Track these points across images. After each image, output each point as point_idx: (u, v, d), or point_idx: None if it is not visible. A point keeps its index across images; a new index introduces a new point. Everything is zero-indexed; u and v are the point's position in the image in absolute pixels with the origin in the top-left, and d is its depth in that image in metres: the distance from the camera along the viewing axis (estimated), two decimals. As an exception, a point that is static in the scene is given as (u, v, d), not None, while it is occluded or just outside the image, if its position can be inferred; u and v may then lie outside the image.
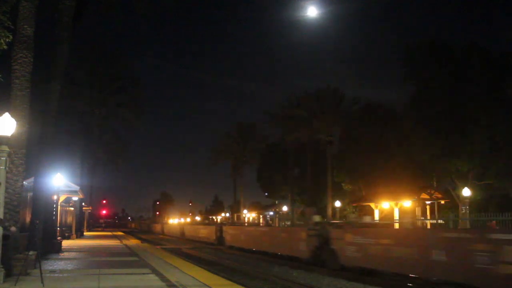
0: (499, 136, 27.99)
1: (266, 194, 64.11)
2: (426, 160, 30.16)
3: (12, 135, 10.15)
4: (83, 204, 42.53)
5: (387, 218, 31.98)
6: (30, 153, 15.57)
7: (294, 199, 54.81)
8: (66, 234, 31.51)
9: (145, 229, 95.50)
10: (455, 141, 28.52)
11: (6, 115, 9.93)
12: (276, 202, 63.61)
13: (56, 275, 12.02)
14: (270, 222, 55.42)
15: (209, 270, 14.73)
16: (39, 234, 14.56)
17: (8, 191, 11.91)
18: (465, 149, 28.48)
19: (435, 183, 34.14)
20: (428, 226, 25.46)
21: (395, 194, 31.85)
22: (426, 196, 31.84)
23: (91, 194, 51.18)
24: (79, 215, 39.65)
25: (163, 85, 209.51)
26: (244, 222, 60.33)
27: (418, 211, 31.12)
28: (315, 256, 20.27)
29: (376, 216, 33.20)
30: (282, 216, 52.07)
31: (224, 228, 38.01)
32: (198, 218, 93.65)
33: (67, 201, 31.73)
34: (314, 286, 15.11)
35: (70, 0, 18.09)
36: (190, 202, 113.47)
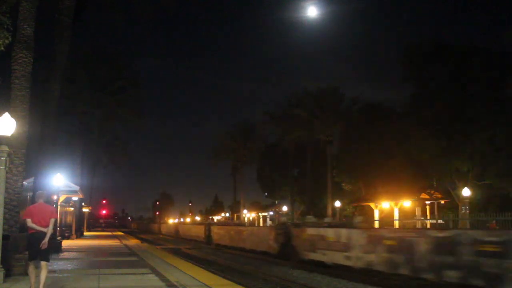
0: (499, 136, 27.99)
1: (266, 194, 64.10)
2: (426, 160, 30.16)
3: (12, 135, 10.15)
4: (83, 204, 42.51)
5: (387, 218, 31.98)
6: (30, 153, 15.58)
7: (294, 199, 54.82)
8: (66, 234, 31.48)
9: (144, 229, 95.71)
10: (455, 141, 28.53)
11: (6, 115, 9.93)
12: (276, 202, 63.59)
13: (56, 275, 12.01)
14: (270, 222, 55.34)
15: (208, 270, 14.73)
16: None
17: (8, 191, 11.92)
18: (465, 149, 28.49)
19: (435, 183, 34.13)
20: (428, 226, 25.50)
21: (395, 194, 31.85)
22: (426, 196, 31.84)
23: (91, 194, 51.22)
24: (79, 215, 39.62)
25: (163, 85, 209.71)
26: (244, 222, 60.31)
27: (418, 211, 31.13)
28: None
29: (376, 216, 33.20)
30: (283, 216, 52.02)
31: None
32: (198, 218, 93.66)
33: (67, 201, 31.72)
34: (314, 286, 15.12)
35: (70, 0, 18.09)
36: (190, 202, 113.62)
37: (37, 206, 8.97)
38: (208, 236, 40.31)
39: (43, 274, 8.72)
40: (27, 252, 9.29)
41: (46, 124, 18.00)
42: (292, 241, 23.51)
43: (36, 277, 8.73)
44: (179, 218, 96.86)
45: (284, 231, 25.06)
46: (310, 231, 22.10)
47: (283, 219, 29.95)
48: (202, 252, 30.55)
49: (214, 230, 39.92)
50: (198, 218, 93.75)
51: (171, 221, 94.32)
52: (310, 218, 30.74)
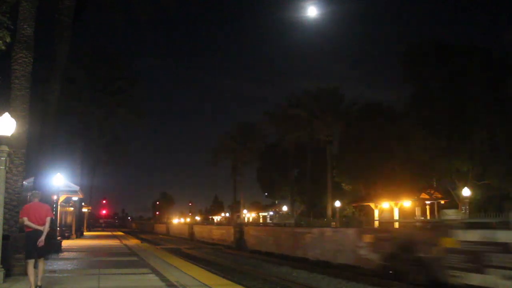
0: (499, 136, 28.00)
1: (266, 194, 64.17)
2: (426, 160, 30.17)
3: (12, 135, 10.15)
4: (83, 204, 42.52)
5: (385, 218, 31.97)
6: (30, 153, 15.56)
7: (294, 199, 54.85)
8: (66, 234, 31.49)
9: (148, 229, 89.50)
10: (455, 141, 28.55)
11: (6, 115, 9.93)
12: (276, 202, 63.68)
13: (56, 275, 12.02)
14: (271, 222, 55.22)
15: (209, 270, 14.72)
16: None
17: (8, 191, 11.91)
18: (465, 149, 28.50)
19: (435, 183, 34.14)
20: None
21: (395, 194, 31.84)
22: (426, 196, 31.85)
23: (91, 194, 51.24)
24: (79, 215, 39.62)
25: (163, 85, 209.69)
26: (244, 222, 60.08)
27: (418, 211, 31.13)
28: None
29: (376, 216, 33.21)
30: (283, 216, 51.91)
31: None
32: (198, 218, 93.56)
33: (67, 201, 31.71)
34: (314, 286, 15.11)
35: (70, 0, 18.09)
36: (190, 202, 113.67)
37: (33, 205, 9.19)
38: (239, 239, 32.52)
39: (41, 270, 9.04)
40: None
41: (46, 124, 17.99)
42: (418, 251, 14.43)
43: (35, 277, 8.93)
44: (191, 218, 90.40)
45: (392, 235, 16.64)
46: (469, 235, 12.75)
47: (385, 214, 19.04)
48: (202, 252, 30.53)
49: (250, 232, 31.66)
50: (198, 218, 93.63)
51: (176, 220, 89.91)
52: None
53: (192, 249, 32.76)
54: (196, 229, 48.75)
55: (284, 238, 25.90)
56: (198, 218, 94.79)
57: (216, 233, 40.34)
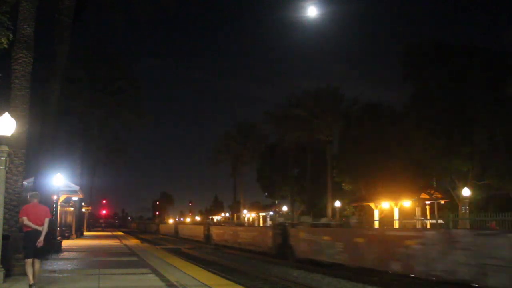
0: (499, 136, 28.00)
1: (266, 194, 64.16)
2: (426, 160, 30.16)
3: (12, 135, 10.15)
4: (83, 204, 42.51)
5: (386, 218, 31.98)
6: (30, 153, 15.58)
7: (294, 199, 54.85)
8: (66, 234, 31.49)
9: (150, 230, 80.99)
10: (455, 141, 28.55)
11: (6, 115, 9.93)
12: (276, 202, 63.68)
13: (56, 275, 12.02)
14: (270, 222, 55.03)
15: (209, 270, 14.71)
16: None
17: (8, 191, 11.91)
18: (465, 149, 28.49)
19: (435, 183, 34.14)
20: (428, 226, 25.52)
21: (395, 194, 31.85)
22: (426, 196, 31.86)
23: (91, 194, 51.20)
24: (79, 215, 39.62)
25: (163, 85, 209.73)
26: (244, 222, 60.04)
27: (418, 211, 31.13)
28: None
29: (376, 216, 33.23)
30: (283, 216, 51.78)
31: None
32: (198, 218, 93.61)
33: (67, 201, 31.70)
34: (314, 286, 15.11)
35: (70, 0, 18.10)
36: (190, 202, 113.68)
37: (32, 206, 9.33)
38: (282, 244, 24.78)
39: (36, 270, 9.20)
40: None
41: (46, 124, 18.00)
42: None
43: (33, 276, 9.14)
44: (191, 217, 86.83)
45: None
46: None
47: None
48: (201, 252, 30.50)
49: (300, 235, 23.34)
50: (198, 218, 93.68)
51: (183, 220, 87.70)
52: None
53: (191, 249, 32.65)
54: (215, 230, 40.49)
55: (365, 244, 18.23)
56: (198, 218, 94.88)
57: (245, 236, 32.05)
